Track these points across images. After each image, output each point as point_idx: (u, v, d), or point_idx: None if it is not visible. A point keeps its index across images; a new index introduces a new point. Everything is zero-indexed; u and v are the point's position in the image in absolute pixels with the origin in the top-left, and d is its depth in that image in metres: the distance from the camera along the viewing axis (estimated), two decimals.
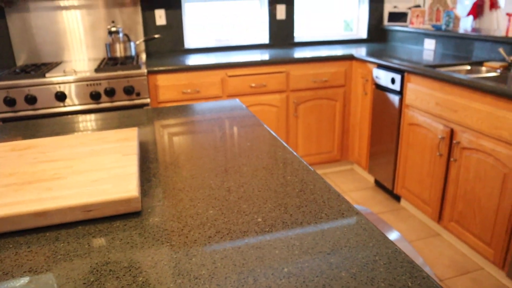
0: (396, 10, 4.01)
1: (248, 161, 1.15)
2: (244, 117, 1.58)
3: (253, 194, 0.96)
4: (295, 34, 3.95)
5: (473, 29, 3.52)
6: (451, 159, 2.39)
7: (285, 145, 1.26)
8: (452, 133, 2.38)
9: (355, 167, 3.74)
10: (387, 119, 2.99)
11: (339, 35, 4.14)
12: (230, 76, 3.15)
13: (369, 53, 3.32)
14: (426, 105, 2.55)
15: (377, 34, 4.15)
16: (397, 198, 3.14)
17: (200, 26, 3.78)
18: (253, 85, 3.19)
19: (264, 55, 3.38)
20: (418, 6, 4.09)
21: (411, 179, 2.80)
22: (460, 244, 2.55)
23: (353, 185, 3.45)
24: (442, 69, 2.73)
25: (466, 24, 4.64)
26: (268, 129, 1.41)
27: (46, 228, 0.85)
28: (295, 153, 1.19)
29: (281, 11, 3.79)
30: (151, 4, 3.52)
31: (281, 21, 3.83)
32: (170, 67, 3.03)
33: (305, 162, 1.12)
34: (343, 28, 4.23)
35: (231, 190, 0.99)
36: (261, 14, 3.83)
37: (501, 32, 2.97)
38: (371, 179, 3.49)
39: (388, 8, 4.12)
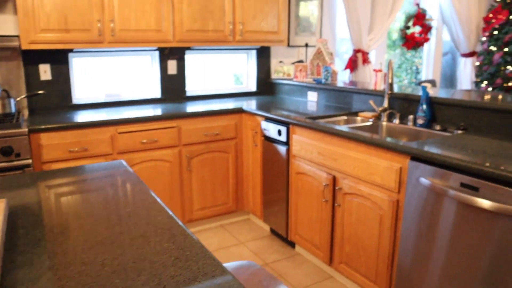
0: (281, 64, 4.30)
1: (126, 229, 1.11)
2: (126, 180, 1.54)
3: (127, 267, 0.93)
4: (187, 89, 4.02)
5: (351, 82, 3.88)
6: (336, 204, 2.55)
7: (166, 208, 1.25)
8: (334, 180, 2.55)
9: (251, 217, 3.80)
10: (277, 169, 3.12)
11: (230, 88, 4.30)
12: (120, 133, 3.07)
13: (258, 106, 3.48)
14: (310, 154, 2.72)
15: (266, 87, 4.38)
16: (292, 244, 3.24)
17: (89, 81, 3.67)
18: (144, 141, 3.15)
19: (156, 110, 3.37)
20: (301, 61, 4.43)
21: (303, 225, 2.92)
22: (351, 284, 2.68)
23: (250, 235, 3.49)
24: (323, 120, 2.95)
25: (345, 77, 5.12)
26: (153, 194, 1.39)
27: None
28: (175, 217, 1.19)
29: (172, 66, 3.85)
30: (35, 59, 3.35)
31: (172, 75, 3.88)
32: (55, 125, 2.87)
33: (183, 226, 1.12)
34: (233, 81, 4.40)
35: (105, 263, 0.95)
36: (153, 68, 3.85)
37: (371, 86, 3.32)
38: (267, 227, 3.56)
39: (274, 63, 4.40)
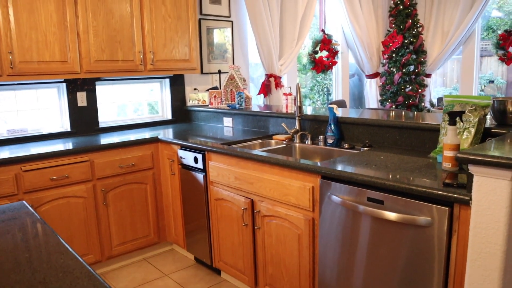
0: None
1: (23, 277, 1.03)
2: (27, 222, 1.43)
3: None
4: (99, 120, 3.87)
5: (265, 106, 3.99)
6: (256, 227, 2.57)
7: (70, 249, 1.18)
8: (253, 203, 2.58)
9: (175, 247, 3.71)
10: (196, 196, 3.09)
11: (145, 118, 4.21)
12: (25, 171, 2.87)
13: (175, 134, 3.45)
14: (227, 180, 2.73)
15: (181, 115, 4.36)
16: (218, 271, 3.20)
17: None
18: (54, 177, 2.97)
19: (66, 144, 3.20)
20: (216, 88, 4.48)
21: (226, 251, 2.90)
22: None
23: (174, 266, 3.40)
24: (238, 145, 2.99)
25: (260, 102, 5.25)
26: (57, 235, 1.30)
27: None
28: (79, 258, 1.12)
29: (82, 98, 3.70)
30: None
31: (82, 107, 3.72)
32: None
33: (88, 267, 1.06)
34: (147, 111, 4.33)
35: None
36: (61, 101, 3.67)
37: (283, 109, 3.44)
38: (191, 256, 3.49)
39: (188, 90, 4.40)
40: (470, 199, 1.49)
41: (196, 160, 3.01)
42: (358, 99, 7.52)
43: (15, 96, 3.49)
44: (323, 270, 2.18)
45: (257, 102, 5.34)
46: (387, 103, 6.28)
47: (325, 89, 6.97)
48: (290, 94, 3.25)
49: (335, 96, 6.75)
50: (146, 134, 3.58)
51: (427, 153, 2.27)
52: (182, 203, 3.31)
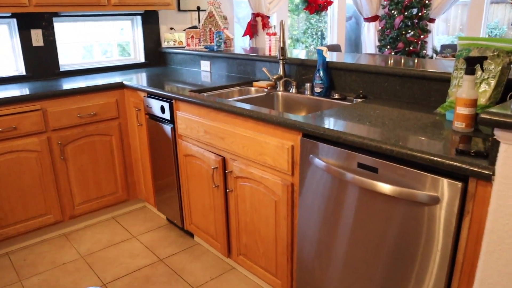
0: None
1: None
2: None
3: None
4: (61, 63, 3.41)
5: (251, 49, 3.52)
6: (228, 190, 2.22)
7: None
8: (224, 162, 2.21)
9: (147, 205, 3.38)
10: (164, 151, 2.72)
11: (115, 60, 3.75)
12: None
13: (145, 79, 3.02)
14: (196, 133, 2.34)
15: (156, 58, 3.89)
16: (191, 234, 2.89)
17: None
18: None
19: (18, 90, 2.77)
20: (195, 27, 3.98)
21: (197, 214, 2.57)
22: (253, 276, 2.40)
23: (144, 226, 3.08)
24: (212, 93, 2.58)
25: (244, 44, 4.76)
26: None
27: None
28: None
29: (37, 37, 3.21)
30: None
31: (38, 48, 3.25)
32: None
33: None
34: (118, 53, 3.85)
35: None
36: (12, 40, 3.19)
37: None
38: (164, 216, 3.17)
39: (164, 30, 3.91)
40: (493, 173, 1.12)
41: (163, 109, 2.60)
42: (355, 45, 7.01)
43: None
44: (301, 243, 1.85)
45: (243, 45, 4.85)
46: (386, 49, 5.79)
47: (319, 33, 6.44)
48: (275, 34, 2.79)
49: (329, 40, 6.24)
50: (116, 78, 3.13)
51: (433, 108, 1.87)
52: (150, 158, 2.94)
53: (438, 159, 1.24)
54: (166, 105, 2.55)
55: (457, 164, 1.19)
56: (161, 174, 2.84)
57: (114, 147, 3.06)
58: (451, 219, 1.26)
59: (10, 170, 2.64)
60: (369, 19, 5.99)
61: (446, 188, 1.25)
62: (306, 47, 6.49)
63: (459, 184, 1.22)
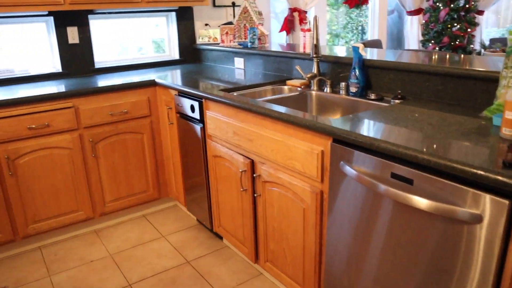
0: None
1: None
2: None
3: None
4: (96, 59, 3.43)
5: (287, 45, 3.42)
6: (256, 194, 2.13)
7: None
8: (253, 165, 2.13)
9: (178, 204, 3.36)
10: (194, 150, 2.66)
11: (150, 57, 3.74)
12: None
13: (180, 77, 2.98)
14: (225, 134, 2.27)
15: (191, 55, 3.85)
16: (220, 236, 2.83)
17: None
18: (32, 126, 2.59)
19: (55, 87, 2.80)
20: (230, 23, 3.91)
21: (225, 217, 2.50)
22: (281, 285, 2.31)
23: (174, 225, 3.05)
24: (243, 92, 2.50)
25: (281, 40, 4.65)
26: None
27: None
28: None
29: (72, 34, 3.24)
30: None
31: (74, 45, 3.28)
32: None
33: None
34: (153, 49, 3.84)
35: None
36: (50, 38, 3.23)
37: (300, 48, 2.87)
38: (194, 216, 3.13)
39: (199, 26, 3.86)
40: None
41: (193, 108, 2.55)
42: (397, 40, 6.74)
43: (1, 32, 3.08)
44: (330, 255, 1.74)
45: (280, 41, 4.74)
46: (430, 44, 5.52)
47: (360, 28, 6.23)
48: (309, 30, 2.67)
49: (370, 35, 6.02)
50: (150, 75, 3.12)
51: (479, 111, 1.71)
52: (181, 157, 2.89)
53: (482, 172, 1.10)
54: (196, 104, 2.49)
55: (504, 179, 1.05)
56: (191, 173, 2.80)
57: (145, 145, 3.04)
58: (494, 241, 1.11)
59: (43, 166, 2.67)
60: (412, 12, 5.73)
61: (489, 206, 1.11)
62: (346, 42, 6.30)
63: (506, 203, 1.07)
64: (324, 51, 2.64)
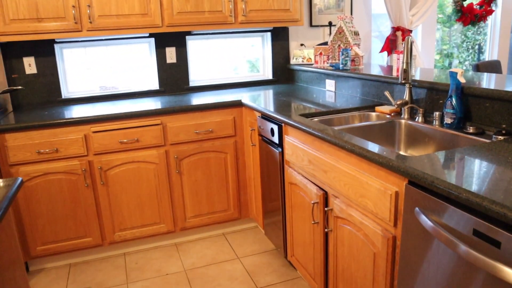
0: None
1: None
2: None
3: None
4: (191, 78, 3.56)
5: (388, 67, 3.20)
6: (327, 229, 1.97)
7: None
8: (326, 197, 1.97)
9: (259, 226, 3.30)
10: (273, 175, 2.58)
11: (243, 77, 3.77)
12: (95, 132, 2.68)
13: (268, 98, 2.95)
14: (301, 162, 2.15)
15: (284, 74, 3.80)
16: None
17: (81, 73, 3.33)
18: (123, 140, 2.74)
19: (150, 104, 2.96)
20: (326, 43, 3.79)
21: (298, 247, 2.37)
22: None
23: (251, 248, 2.99)
24: (327, 117, 2.36)
25: (382, 61, 4.39)
26: None
27: None
28: None
29: (171, 54, 3.39)
30: (16, 52, 3.05)
31: (172, 64, 3.43)
32: (19, 125, 2.55)
33: None
34: (247, 69, 3.87)
35: None
36: (151, 57, 3.42)
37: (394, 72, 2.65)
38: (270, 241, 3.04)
39: (294, 46, 3.81)
40: None
41: (272, 132, 2.47)
42: None
43: (107, 53, 3.33)
44: None
45: (381, 62, 4.49)
46: None
47: (476, 47, 5.66)
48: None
49: (488, 56, 5.44)
50: (240, 95, 3.14)
51: None
52: (261, 180, 2.83)
53: None
54: (276, 128, 2.41)
55: None
56: (269, 197, 2.72)
57: (228, 165, 3.04)
58: None
59: (130, 178, 2.80)
60: None
61: None
62: (459, 63, 5.77)
63: None
64: (424, 75, 2.40)
